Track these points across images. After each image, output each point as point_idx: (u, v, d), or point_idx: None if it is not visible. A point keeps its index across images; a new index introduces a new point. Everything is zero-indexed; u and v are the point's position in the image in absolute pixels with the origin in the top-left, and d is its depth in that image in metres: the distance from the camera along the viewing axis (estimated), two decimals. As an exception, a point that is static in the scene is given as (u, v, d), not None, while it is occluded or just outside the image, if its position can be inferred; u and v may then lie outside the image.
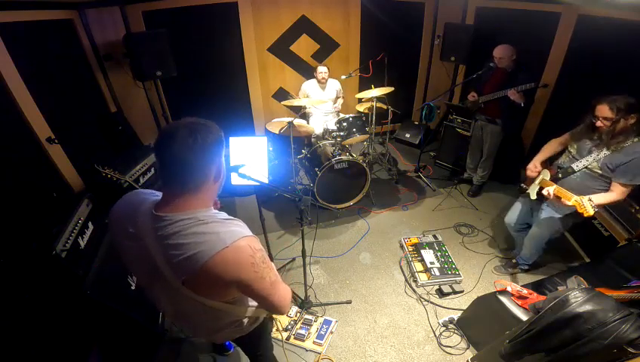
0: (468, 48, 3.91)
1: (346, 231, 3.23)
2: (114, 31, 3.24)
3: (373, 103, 3.46)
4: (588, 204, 1.81)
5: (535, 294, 1.87)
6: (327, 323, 2.32)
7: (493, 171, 3.54)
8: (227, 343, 2.14)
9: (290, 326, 2.29)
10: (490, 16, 3.90)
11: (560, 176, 2.12)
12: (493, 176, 3.60)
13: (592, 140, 2.00)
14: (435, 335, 2.25)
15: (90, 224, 2.14)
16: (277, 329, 2.24)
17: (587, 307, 1.36)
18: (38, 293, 1.79)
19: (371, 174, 3.48)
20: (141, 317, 1.94)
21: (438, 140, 4.41)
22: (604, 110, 1.85)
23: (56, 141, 2.46)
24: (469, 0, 4.08)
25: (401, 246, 2.97)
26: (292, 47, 4.25)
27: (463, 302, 2.46)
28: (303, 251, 2.14)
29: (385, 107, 3.80)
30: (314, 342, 2.20)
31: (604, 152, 1.91)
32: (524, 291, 1.88)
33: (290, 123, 3.07)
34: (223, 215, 0.95)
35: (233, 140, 1.95)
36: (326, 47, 4.36)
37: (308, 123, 4.01)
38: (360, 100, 4.09)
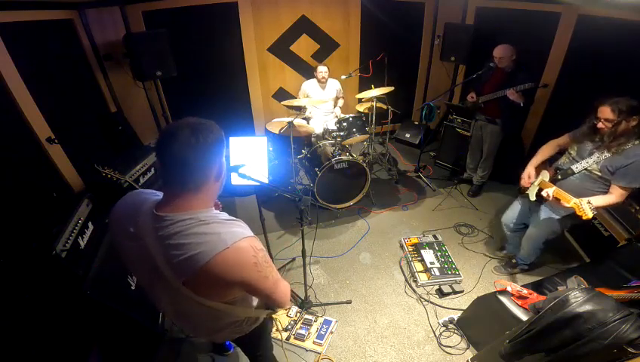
0: (468, 48, 3.91)
1: (346, 231, 3.23)
2: (114, 31, 3.24)
3: (373, 103, 3.46)
4: (587, 207, 1.81)
5: (535, 294, 1.87)
6: (327, 323, 2.32)
7: (493, 171, 3.54)
8: (227, 343, 2.14)
9: (290, 326, 2.29)
10: (490, 16, 3.90)
11: (559, 177, 2.12)
12: (493, 176, 3.60)
13: (592, 142, 1.99)
14: (435, 335, 2.25)
15: (90, 224, 2.14)
16: (277, 329, 2.24)
17: (587, 307, 1.36)
18: (38, 293, 1.79)
19: (371, 174, 3.48)
20: (141, 317, 1.94)
21: (438, 140, 4.41)
22: (605, 111, 1.85)
23: (56, 141, 2.46)
24: (469, 0, 4.08)
25: (401, 246, 2.97)
26: (292, 47, 4.25)
27: (463, 302, 2.46)
28: (303, 251, 2.14)
29: (385, 107, 3.80)
30: (314, 342, 2.20)
31: (605, 154, 1.91)
32: (524, 291, 1.88)
33: (290, 123, 3.07)
34: (224, 215, 0.96)
35: (233, 140, 1.95)
36: (326, 47, 4.36)
37: (308, 123, 4.00)
38: (360, 100, 4.09)
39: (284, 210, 3.47)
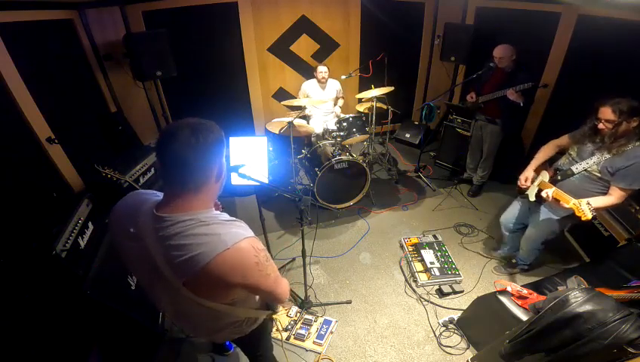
0: (468, 48, 3.91)
1: (346, 231, 3.23)
2: (114, 31, 3.24)
3: (373, 103, 3.46)
4: (586, 208, 1.80)
5: (535, 294, 1.87)
6: (327, 323, 2.32)
7: (493, 171, 3.55)
8: (227, 343, 2.14)
9: (290, 326, 2.29)
10: (490, 16, 3.90)
11: (559, 178, 2.12)
12: (493, 176, 3.60)
13: (593, 143, 1.99)
14: (435, 335, 2.25)
15: (90, 224, 2.14)
16: (277, 329, 2.24)
17: (587, 307, 1.36)
18: (38, 293, 1.79)
19: (371, 174, 3.48)
20: (141, 317, 1.94)
21: (438, 140, 4.41)
22: (606, 112, 1.85)
23: (56, 141, 2.46)
24: (469, 0, 4.08)
25: (401, 246, 2.97)
26: (292, 47, 4.25)
27: (463, 302, 2.46)
28: (303, 251, 2.14)
29: (385, 107, 3.80)
30: (314, 342, 2.20)
31: (605, 155, 1.90)
32: (524, 291, 1.89)
33: (290, 123, 3.07)
34: (225, 216, 0.96)
35: (233, 140, 1.95)
36: (326, 47, 4.36)
37: (308, 123, 4.01)
38: (360, 100, 4.09)
39: (284, 210, 3.47)
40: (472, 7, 4.08)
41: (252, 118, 4.47)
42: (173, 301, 1.02)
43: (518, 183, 2.29)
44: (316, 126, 3.90)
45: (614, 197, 1.89)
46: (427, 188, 3.85)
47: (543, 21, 3.28)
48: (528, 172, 2.26)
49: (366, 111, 3.88)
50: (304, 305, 2.39)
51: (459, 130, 3.92)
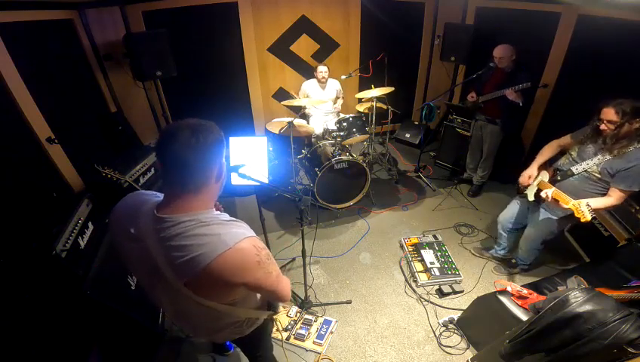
0: (468, 48, 3.91)
1: (346, 231, 3.23)
2: (114, 31, 3.24)
3: (373, 103, 3.46)
4: (586, 209, 1.80)
5: (535, 294, 1.87)
6: (327, 323, 2.32)
7: (493, 171, 3.55)
8: (227, 343, 2.14)
9: (290, 326, 2.29)
10: (490, 16, 3.90)
11: (559, 178, 2.12)
12: (493, 176, 3.60)
13: (594, 144, 1.99)
14: (435, 335, 2.25)
15: (90, 224, 2.14)
16: (277, 330, 2.24)
17: (587, 307, 1.36)
18: (38, 293, 1.79)
19: (371, 174, 3.48)
20: (141, 317, 1.94)
21: (438, 140, 4.41)
22: (609, 113, 1.84)
23: (56, 141, 2.46)
24: (469, 0, 4.08)
25: (401, 246, 2.97)
26: (292, 47, 4.25)
27: (463, 302, 2.46)
28: (303, 251, 2.14)
29: (385, 107, 3.80)
30: (314, 342, 2.20)
31: (606, 157, 1.90)
32: (524, 291, 1.89)
33: (290, 123, 3.07)
34: (225, 216, 0.96)
35: (233, 140, 1.95)
36: (326, 47, 4.36)
37: (308, 123, 4.01)
38: (360, 100, 4.09)
39: (284, 210, 3.47)
40: (472, 7, 4.08)
41: (252, 118, 4.47)
42: (173, 301, 1.02)
43: (521, 181, 2.28)
44: (316, 126, 3.90)
45: (613, 198, 1.89)
46: (427, 188, 3.85)
47: (543, 21, 3.28)
48: (532, 170, 2.26)
49: (366, 111, 3.88)
50: (304, 305, 2.39)
51: (459, 130, 3.92)
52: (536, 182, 2.23)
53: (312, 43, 4.29)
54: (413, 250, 2.84)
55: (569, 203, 1.88)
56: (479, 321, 2.16)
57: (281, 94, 4.50)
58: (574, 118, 2.17)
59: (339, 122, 3.41)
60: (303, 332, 2.24)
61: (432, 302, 2.48)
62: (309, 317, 2.35)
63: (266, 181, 1.83)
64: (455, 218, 3.34)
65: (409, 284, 2.64)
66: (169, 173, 0.88)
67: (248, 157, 1.94)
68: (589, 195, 1.97)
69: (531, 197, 2.25)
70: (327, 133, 3.53)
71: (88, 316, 1.80)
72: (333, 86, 4.05)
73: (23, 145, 2.36)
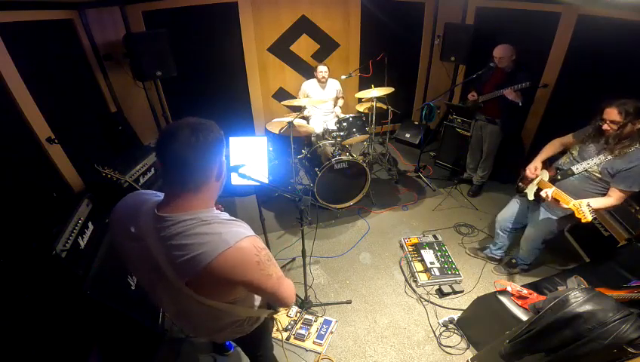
0: (468, 48, 3.91)
1: (346, 231, 3.23)
2: (114, 31, 3.24)
3: (373, 103, 3.46)
4: (586, 210, 1.80)
5: (535, 294, 1.87)
6: (327, 323, 2.32)
7: (493, 171, 3.55)
8: (227, 343, 2.14)
9: (290, 326, 2.29)
10: (490, 16, 3.90)
11: (559, 177, 2.12)
12: (493, 176, 3.61)
13: (596, 144, 1.99)
14: (435, 335, 2.25)
15: (90, 224, 2.14)
16: (277, 329, 2.24)
17: (587, 307, 1.36)
18: (38, 293, 1.79)
19: (371, 174, 3.48)
20: (141, 317, 1.94)
21: (438, 140, 4.41)
22: (612, 113, 1.84)
23: (56, 141, 2.46)
24: (469, 0, 4.08)
25: (401, 246, 2.97)
26: (292, 47, 4.25)
27: (463, 302, 2.46)
28: (303, 251, 2.14)
29: (385, 107, 3.80)
30: (314, 342, 2.20)
31: (607, 157, 1.90)
32: (524, 291, 1.89)
33: (290, 123, 3.07)
34: (225, 215, 0.96)
35: (233, 140, 1.95)
36: (326, 47, 4.36)
37: (308, 123, 4.01)
38: (360, 100, 4.09)
39: (284, 210, 3.47)
40: (472, 7, 4.08)
41: (252, 118, 4.47)
42: (174, 300, 1.02)
43: (527, 174, 2.26)
44: (316, 126, 3.90)
45: (614, 198, 1.89)
46: (427, 188, 3.85)
47: (543, 21, 3.28)
48: (536, 163, 2.24)
49: (366, 111, 3.88)
50: (304, 305, 2.39)
51: (459, 130, 3.92)
52: (536, 181, 2.23)
53: (312, 43, 4.29)
54: (413, 250, 2.84)
55: (569, 203, 1.88)
56: (479, 321, 2.16)
57: (281, 94, 4.50)
58: (574, 117, 2.17)
59: (339, 122, 3.41)
60: (303, 332, 2.24)
61: (432, 302, 2.48)
62: (309, 317, 2.35)
63: (266, 181, 1.83)
64: (455, 218, 3.34)
65: (409, 284, 2.64)
66: (169, 172, 0.88)
67: (248, 157, 1.94)
68: (589, 195, 1.97)
69: (531, 197, 2.25)
70: (327, 133, 3.53)
71: (88, 316, 1.80)
72: (333, 86, 4.05)
73: (23, 145, 2.36)
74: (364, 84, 4.40)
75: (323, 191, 3.30)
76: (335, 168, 3.19)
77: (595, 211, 1.82)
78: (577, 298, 1.41)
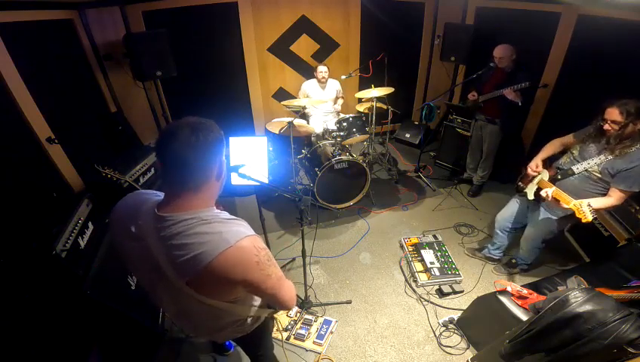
0: (468, 48, 3.91)
1: (346, 231, 3.23)
2: (114, 31, 3.24)
3: (373, 103, 3.46)
4: (587, 210, 1.79)
5: (535, 294, 1.87)
6: (327, 323, 2.32)
7: (493, 171, 3.55)
8: (227, 343, 2.14)
9: (290, 326, 2.29)
10: (490, 16, 3.90)
11: (559, 177, 2.12)
12: (493, 176, 3.61)
13: (596, 143, 1.98)
14: (435, 335, 2.25)
15: (90, 224, 2.14)
16: (277, 329, 2.24)
17: (587, 307, 1.36)
18: (38, 293, 1.79)
19: (371, 174, 3.48)
20: (141, 317, 1.94)
21: (438, 140, 4.41)
22: (613, 113, 1.84)
23: (56, 141, 2.46)
24: (469, 0, 4.09)
25: (401, 246, 2.97)
26: (292, 47, 4.25)
27: (463, 302, 2.46)
28: (303, 251, 2.14)
29: (385, 107, 3.80)
30: (314, 342, 2.20)
31: (607, 157, 1.90)
32: (524, 291, 1.89)
33: (290, 123, 3.07)
34: (226, 214, 0.96)
35: (233, 140, 1.95)
36: (326, 47, 4.36)
37: (308, 123, 4.01)
38: (360, 100, 4.09)
39: (284, 210, 3.47)
40: (472, 7, 4.08)
41: (252, 118, 4.47)
42: (175, 300, 1.01)
43: (528, 170, 2.26)
44: (316, 126, 3.90)
45: (614, 198, 1.89)
46: (427, 188, 3.85)
47: (543, 21, 3.28)
48: (537, 160, 2.23)
49: (366, 111, 3.88)
50: (304, 305, 2.39)
51: (459, 130, 3.92)
52: (536, 181, 2.23)
53: (312, 43, 4.29)
54: (413, 250, 2.84)
55: (570, 203, 1.88)
56: (479, 321, 2.16)
57: (281, 94, 4.50)
58: (574, 117, 2.17)
59: (339, 122, 3.41)
60: (303, 332, 2.24)
61: (432, 302, 2.48)
62: (309, 317, 2.35)
63: (266, 181, 1.83)
64: (455, 218, 3.34)
65: (409, 284, 2.64)
66: (169, 172, 0.88)
67: (248, 157, 1.94)
68: (589, 195, 1.97)
69: (531, 196, 2.24)
70: (327, 133, 3.53)
71: (88, 316, 1.80)
72: (333, 86, 4.05)
73: (23, 145, 2.36)
74: (364, 84, 4.40)
75: (323, 191, 3.30)
76: (335, 168, 3.19)
77: (595, 211, 1.82)
78: (577, 298, 1.41)
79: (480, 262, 2.80)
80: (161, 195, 0.95)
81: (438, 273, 2.61)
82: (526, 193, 2.29)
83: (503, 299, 1.90)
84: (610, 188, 1.93)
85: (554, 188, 2.01)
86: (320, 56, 4.36)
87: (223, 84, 4.10)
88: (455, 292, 2.53)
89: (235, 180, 1.50)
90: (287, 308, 1.13)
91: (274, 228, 3.24)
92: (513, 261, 2.66)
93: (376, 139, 4.36)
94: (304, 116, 4.13)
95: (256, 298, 1.20)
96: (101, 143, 3.23)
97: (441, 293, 2.52)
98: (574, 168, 2.04)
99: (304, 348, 2.19)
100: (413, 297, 2.54)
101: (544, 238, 2.30)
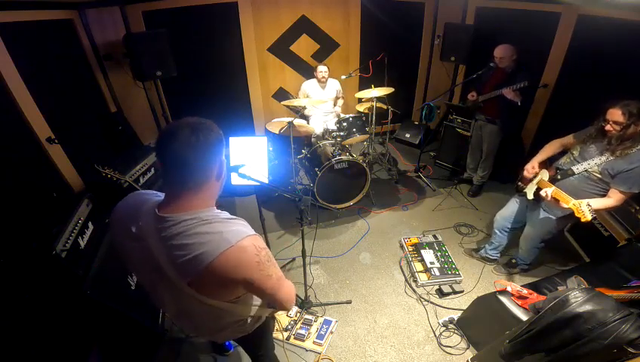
0: (468, 48, 3.90)
1: (346, 231, 3.23)
2: (114, 31, 3.24)
3: (373, 103, 3.46)
4: (586, 209, 1.79)
5: (535, 294, 1.87)
6: (327, 323, 2.32)
7: (493, 171, 3.55)
8: (227, 343, 2.14)
9: (290, 326, 2.29)
10: (490, 16, 3.90)
11: (559, 177, 2.12)
12: (493, 176, 3.61)
13: (597, 144, 1.98)
14: (435, 335, 2.25)
15: (90, 224, 2.14)
16: (277, 329, 2.24)
17: (587, 307, 1.36)
18: (38, 293, 1.79)
19: (371, 174, 3.48)
20: (141, 317, 1.94)
21: (438, 140, 4.41)
22: (616, 114, 1.83)
23: (56, 141, 2.46)
24: (469, 0, 4.09)
25: (401, 246, 2.97)
26: (292, 47, 4.25)
27: (463, 302, 2.46)
28: (303, 251, 2.14)
29: (385, 107, 3.80)
30: (314, 342, 2.20)
31: (608, 157, 1.90)
32: (524, 291, 1.89)
33: (290, 123, 3.07)
34: (226, 214, 0.96)
35: (233, 140, 1.95)
36: (326, 47, 4.36)
37: (308, 123, 4.01)
38: (360, 100, 4.09)
39: (284, 210, 3.47)
40: (472, 7, 4.08)
41: (252, 118, 4.47)
42: (175, 300, 1.01)
43: (525, 173, 2.26)
44: (316, 126, 3.89)
45: (613, 199, 1.89)
46: (427, 188, 3.85)
47: (543, 21, 3.28)
48: (534, 162, 2.23)
49: (366, 111, 3.88)
50: (304, 305, 2.39)
51: (459, 130, 3.92)
52: (535, 181, 2.23)
53: (312, 43, 4.29)
54: (413, 250, 2.84)
55: (569, 202, 1.88)
56: (479, 321, 2.16)
57: (281, 94, 4.50)
58: (574, 118, 2.17)
59: (339, 122, 3.41)
60: (303, 332, 2.24)
61: (432, 302, 2.48)
62: (309, 317, 2.35)
63: (266, 181, 1.83)
64: (455, 218, 3.34)
65: (409, 284, 2.64)
66: (169, 172, 0.88)
67: (248, 157, 1.94)
68: (589, 195, 1.97)
69: (530, 196, 2.24)
70: (327, 133, 3.53)
71: (88, 316, 1.80)
72: (333, 86, 4.05)
73: (23, 145, 2.36)
74: (364, 84, 4.40)
75: (323, 191, 3.30)
76: (335, 168, 3.19)
77: (595, 211, 1.82)
78: (577, 298, 1.41)
79: (480, 262, 2.80)
80: (161, 196, 0.95)
81: (438, 273, 2.61)
82: (526, 193, 2.29)
83: (503, 299, 1.90)
84: (609, 189, 1.93)
85: (553, 188, 2.01)
86: (320, 56, 4.36)
87: (223, 84, 4.10)
88: (455, 293, 2.53)
89: (235, 180, 1.50)
90: (287, 309, 1.13)
91: (274, 228, 3.24)
92: (513, 261, 2.66)
93: (376, 139, 4.36)
94: (304, 116, 4.13)
95: (256, 298, 1.20)
96: (101, 143, 3.23)
97: (441, 293, 2.52)
98: (574, 168, 2.04)
99: (304, 348, 2.19)
100: (413, 297, 2.54)
101: (543, 238, 2.30)
